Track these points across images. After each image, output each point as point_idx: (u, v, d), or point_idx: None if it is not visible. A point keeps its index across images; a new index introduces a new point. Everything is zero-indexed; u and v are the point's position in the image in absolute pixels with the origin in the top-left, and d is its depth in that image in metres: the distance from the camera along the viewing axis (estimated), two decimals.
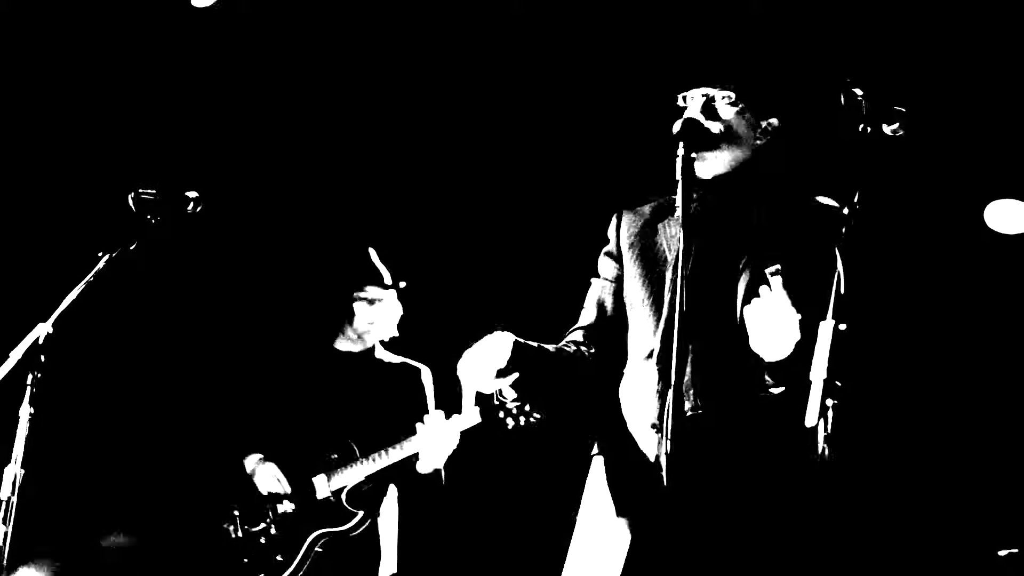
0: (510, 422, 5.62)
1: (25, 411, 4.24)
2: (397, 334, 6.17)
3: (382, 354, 6.19)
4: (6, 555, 4.17)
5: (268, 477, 5.92)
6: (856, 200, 3.24)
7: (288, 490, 5.87)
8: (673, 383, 3.34)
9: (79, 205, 6.98)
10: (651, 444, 3.72)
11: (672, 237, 3.86)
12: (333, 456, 5.88)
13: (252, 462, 5.98)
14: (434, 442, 5.71)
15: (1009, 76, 6.37)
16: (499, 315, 7.12)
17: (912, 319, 6.72)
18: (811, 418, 3.03)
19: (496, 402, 5.66)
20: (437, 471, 5.80)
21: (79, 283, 4.39)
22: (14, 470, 4.19)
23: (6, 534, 4.18)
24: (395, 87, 7.23)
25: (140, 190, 4.56)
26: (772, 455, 3.63)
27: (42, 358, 4.27)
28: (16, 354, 4.25)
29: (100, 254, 4.46)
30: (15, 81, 6.98)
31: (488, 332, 3.82)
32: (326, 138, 7.44)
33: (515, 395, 5.59)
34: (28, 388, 4.26)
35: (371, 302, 6.08)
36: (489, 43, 6.92)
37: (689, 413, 3.66)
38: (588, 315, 4.10)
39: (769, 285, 3.44)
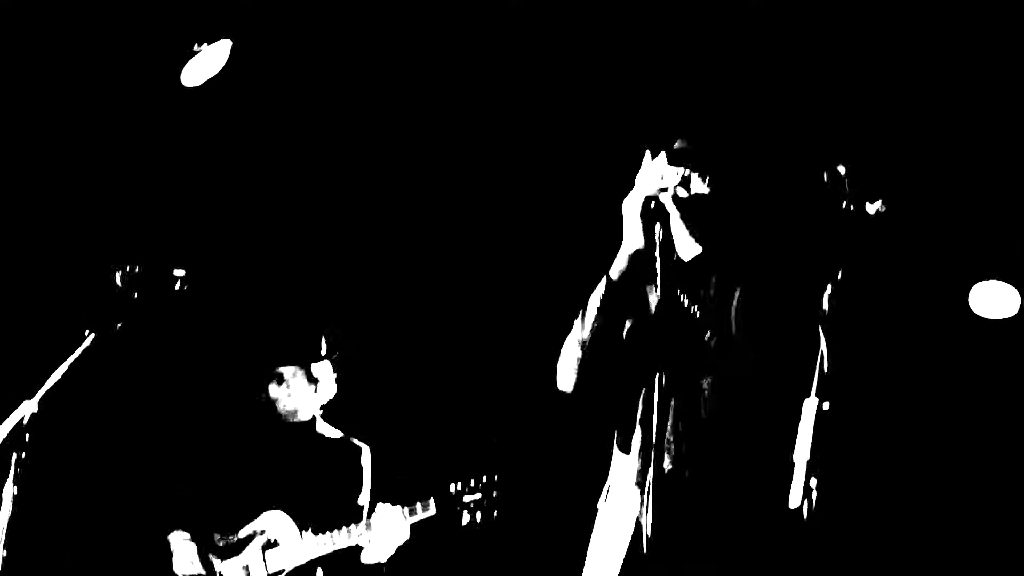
0: (466, 517, 5.57)
1: (9, 491, 4.21)
2: (318, 412, 6.09)
3: (323, 427, 6.12)
4: None
5: (183, 559, 5.85)
6: (839, 278, 3.25)
7: (202, 573, 5.80)
8: (654, 442, 3.37)
9: (65, 282, 6.98)
10: (634, 502, 3.74)
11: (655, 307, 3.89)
12: (266, 534, 5.81)
13: (176, 540, 5.91)
14: (387, 535, 5.64)
15: (995, 158, 6.41)
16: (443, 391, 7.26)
17: (896, 399, 6.72)
18: (795, 499, 3.02)
19: (453, 493, 5.63)
20: (380, 564, 5.72)
21: (65, 361, 4.38)
22: None
23: None
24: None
25: (127, 267, 4.56)
26: (755, 517, 3.64)
27: (27, 437, 4.25)
28: (1, 433, 4.22)
29: (87, 332, 4.45)
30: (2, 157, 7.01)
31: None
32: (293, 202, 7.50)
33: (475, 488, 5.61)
34: (13, 468, 4.23)
35: (280, 380, 6.04)
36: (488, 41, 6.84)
37: (670, 469, 3.67)
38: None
39: None
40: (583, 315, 3.89)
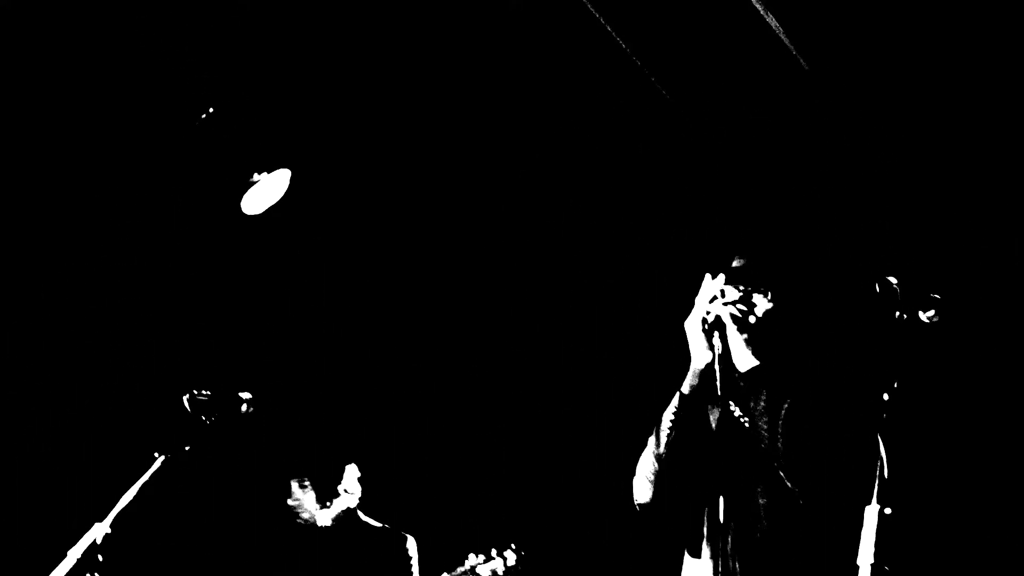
0: None
1: None
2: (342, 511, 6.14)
3: (365, 520, 6.17)
4: None
5: None
6: (896, 386, 3.29)
7: None
8: (719, 553, 3.42)
9: (134, 405, 7.09)
10: None
11: (716, 420, 3.95)
12: None
13: None
14: None
15: None
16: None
17: (957, 505, 6.68)
18: None
19: None
20: None
21: (136, 483, 4.44)
22: None
23: None
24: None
25: (195, 391, 4.64)
26: None
27: (100, 558, 4.31)
28: (75, 554, 4.27)
29: (156, 454, 4.52)
30: (72, 281, 7.13)
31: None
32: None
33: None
34: None
35: (290, 492, 6.13)
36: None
37: None
38: None
39: None
40: (657, 430, 3.95)
